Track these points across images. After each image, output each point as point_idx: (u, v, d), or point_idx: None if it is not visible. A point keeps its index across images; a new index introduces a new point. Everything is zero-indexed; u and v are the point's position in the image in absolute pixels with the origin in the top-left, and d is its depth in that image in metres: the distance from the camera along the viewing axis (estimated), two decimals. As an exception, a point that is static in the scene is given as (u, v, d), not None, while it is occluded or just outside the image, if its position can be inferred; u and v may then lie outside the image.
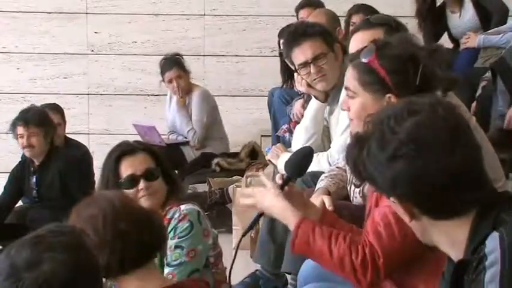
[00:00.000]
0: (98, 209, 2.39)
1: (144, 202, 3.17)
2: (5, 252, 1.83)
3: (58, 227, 1.90)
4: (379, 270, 2.50)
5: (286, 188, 2.70)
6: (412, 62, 2.61)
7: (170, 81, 6.73)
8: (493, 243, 1.79)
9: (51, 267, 1.77)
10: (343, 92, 4.05)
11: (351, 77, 2.72)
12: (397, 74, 2.62)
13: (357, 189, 3.20)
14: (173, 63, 6.71)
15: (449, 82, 2.76)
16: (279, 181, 2.70)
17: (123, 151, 3.38)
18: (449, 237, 1.89)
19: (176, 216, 3.34)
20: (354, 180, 3.21)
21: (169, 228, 3.32)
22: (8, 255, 1.81)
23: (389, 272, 2.52)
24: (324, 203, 3.28)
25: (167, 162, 3.51)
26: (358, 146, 1.90)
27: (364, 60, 2.67)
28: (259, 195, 2.69)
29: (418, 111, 1.86)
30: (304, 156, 2.77)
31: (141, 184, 3.31)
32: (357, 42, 3.42)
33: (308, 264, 3.17)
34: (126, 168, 3.34)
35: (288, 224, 2.64)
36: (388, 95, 2.62)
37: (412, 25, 5.74)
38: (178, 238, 3.30)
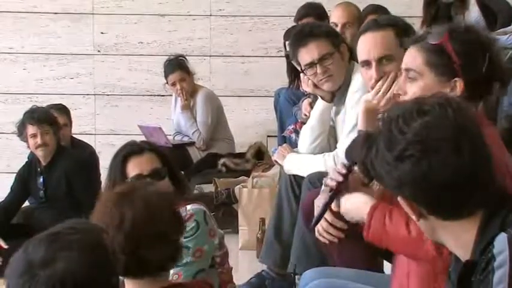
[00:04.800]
0: (120, 219, 2.37)
1: None
2: (23, 248, 1.83)
3: (76, 224, 1.89)
4: None
5: (350, 175, 2.69)
6: (482, 49, 2.57)
7: (174, 84, 6.73)
8: (501, 244, 1.79)
9: (66, 266, 1.77)
10: (350, 92, 4.09)
11: (415, 58, 2.63)
12: (467, 58, 2.56)
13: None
14: (176, 66, 6.71)
15: (509, 74, 2.72)
16: (343, 170, 2.68)
17: (129, 151, 3.39)
18: (457, 238, 1.89)
19: (182, 216, 3.34)
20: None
21: None
22: (25, 251, 1.82)
23: None
24: None
25: (173, 163, 3.51)
26: (366, 144, 1.90)
27: (433, 41, 2.59)
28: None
29: (427, 112, 1.85)
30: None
31: None
32: (367, 43, 3.40)
33: (311, 271, 3.17)
34: (133, 168, 3.35)
35: (363, 213, 2.61)
36: (454, 79, 2.56)
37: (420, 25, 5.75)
38: (184, 238, 3.30)
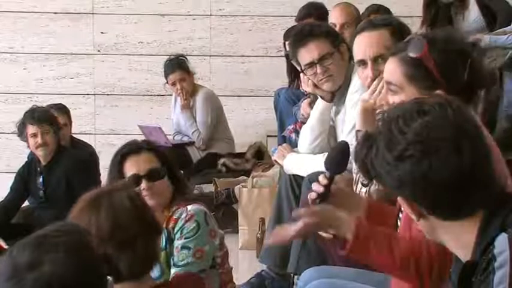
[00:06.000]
0: (94, 225, 2.37)
1: (148, 202, 3.16)
2: (8, 252, 1.82)
3: (62, 226, 1.89)
4: (446, 269, 2.35)
5: (332, 186, 2.68)
6: (462, 58, 2.55)
7: (174, 84, 6.74)
8: (502, 244, 1.78)
9: (53, 268, 1.76)
10: (350, 92, 4.09)
11: (396, 71, 2.62)
12: (448, 70, 2.54)
13: (364, 189, 3.19)
14: (176, 66, 6.71)
15: (491, 77, 2.70)
16: (324, 181, 2.68)
17: (127, 150, 3.39)
18: (457, 238, 1.89)
19: (183, 216, 3.34)
20: (361, 180, 3.20)
21: (176, 229, 3.32)
22: (10, 255, 1.81)
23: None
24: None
25: (173, 162, 3.51)
26: (366, 144, 1.90)
27: (413, 54, 2.57)
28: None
29: (427, 112, 1.86)
30: (341, 150, 2.75)
31: (144, 184, 3.31)
32: (362, 42, 3.41)
33: (311, 271, 3.17)
34: (130, 168, 3.35)
35: (344, 232, 2.52)
36: (437, 92, 2.53)
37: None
38: (185, 239, 3.30)
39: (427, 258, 2.43)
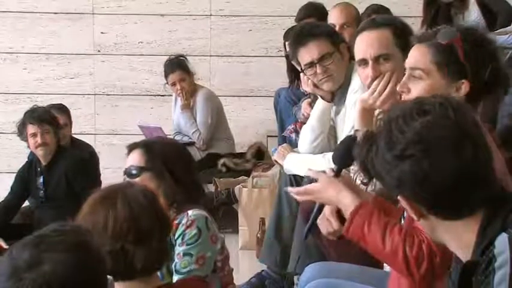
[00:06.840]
0: (111, 217, 2.39)
1: None
2: (8, 252, 1.83)
3: (61, 226, 1.89)
4: (434, 266, 2.42)
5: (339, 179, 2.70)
6: (488, 55, 2.57)
7: (174, 84, 6.74)
8: (502, 244, 1.78)
9: (52, 267, 1.77)
10: (350, 92, 4.09)
11: (424, 56, 2.62)
12: (476, 62, 2.55)
13: (363, 188, 3.19)
14: (176, 66, 6.71)
15: (507, 82, 2.71)
16: (331, 174, 2.70)
17: (128, 146, 3.41)
18: (458, 238, 1.89)
19: (183, 222, 3.29)
20: (360, 178, 3.20)
21: (176, 234, 3.29)
22: (10, 255, 1.82)
23: (444, 271, 2.37)
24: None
25: (171, 165, 3.41)
26: (367, 144, 1.90)
27: (444, 40, 2.59)
28: (318, 189, 2.68)
29: (427, 111, 1.85)
30: (349, 145, 2.76)
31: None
32: (364, 41, 3.40)
33: (311, 267, 3.17)
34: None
35: (346, 210, 2.59)
36: (462, 81, 2.55)
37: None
38: (187, 245, 3.26)
39: (416, 252, 2.44)
